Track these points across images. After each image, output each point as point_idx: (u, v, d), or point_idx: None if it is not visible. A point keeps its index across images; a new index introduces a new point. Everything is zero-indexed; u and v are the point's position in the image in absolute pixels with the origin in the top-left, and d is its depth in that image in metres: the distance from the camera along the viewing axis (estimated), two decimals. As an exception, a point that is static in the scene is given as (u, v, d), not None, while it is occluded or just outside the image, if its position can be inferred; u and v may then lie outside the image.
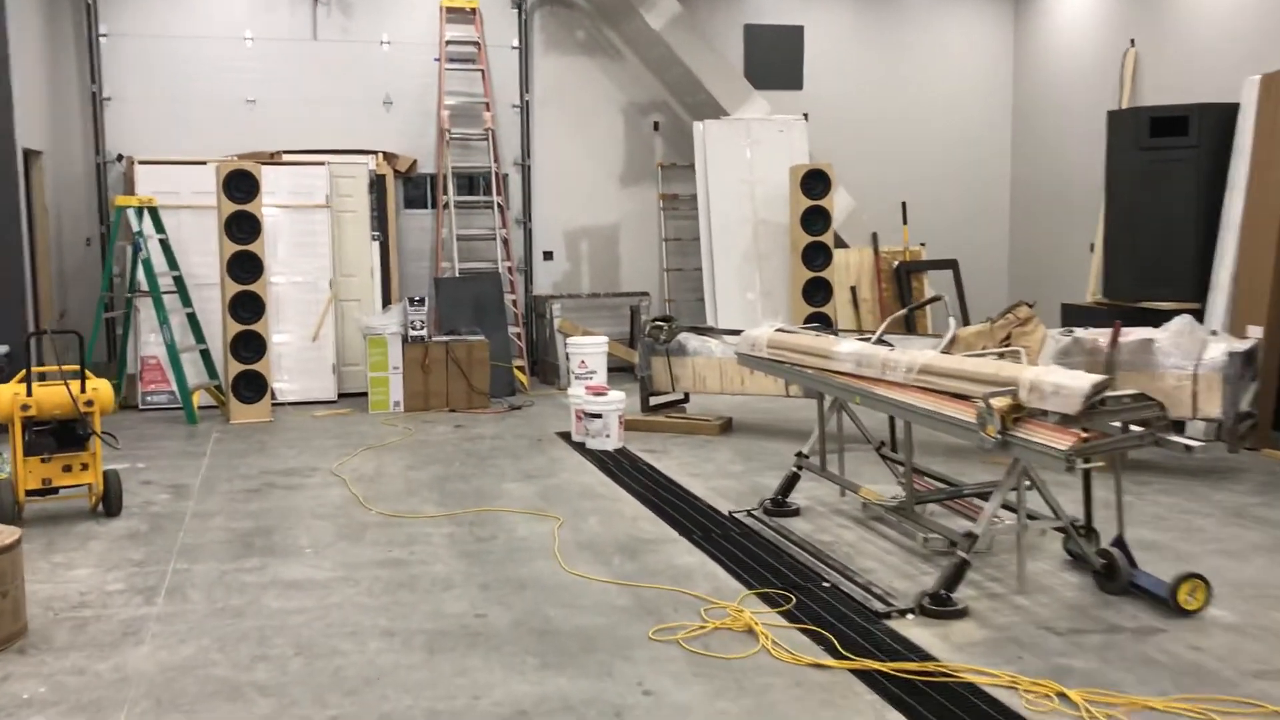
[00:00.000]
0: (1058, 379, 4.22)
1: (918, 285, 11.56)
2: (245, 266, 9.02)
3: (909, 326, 11.00)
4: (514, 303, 10.96)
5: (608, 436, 7.80)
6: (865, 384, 5.21)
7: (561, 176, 11.67)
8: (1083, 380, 4.17)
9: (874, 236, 11.50)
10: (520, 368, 10.66)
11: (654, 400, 8.82)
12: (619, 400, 7.87)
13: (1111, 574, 4.63)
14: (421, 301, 9.57)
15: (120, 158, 10.23)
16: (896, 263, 11.43)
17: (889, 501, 5.41)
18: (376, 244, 10.50)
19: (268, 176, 9.91)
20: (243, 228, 9.00)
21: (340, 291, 10.30)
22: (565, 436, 8.25)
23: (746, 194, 10.82)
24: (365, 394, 9.61)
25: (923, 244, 11.78)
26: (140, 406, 9.59)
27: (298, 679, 3.87)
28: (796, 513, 5.98)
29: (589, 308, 11.41)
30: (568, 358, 8.69)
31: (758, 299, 10.78)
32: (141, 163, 9.90)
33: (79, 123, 10.29)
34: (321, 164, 10.25)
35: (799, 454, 6.05)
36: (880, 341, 7.17)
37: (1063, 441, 4.07)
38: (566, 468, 7.24)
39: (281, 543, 5.52)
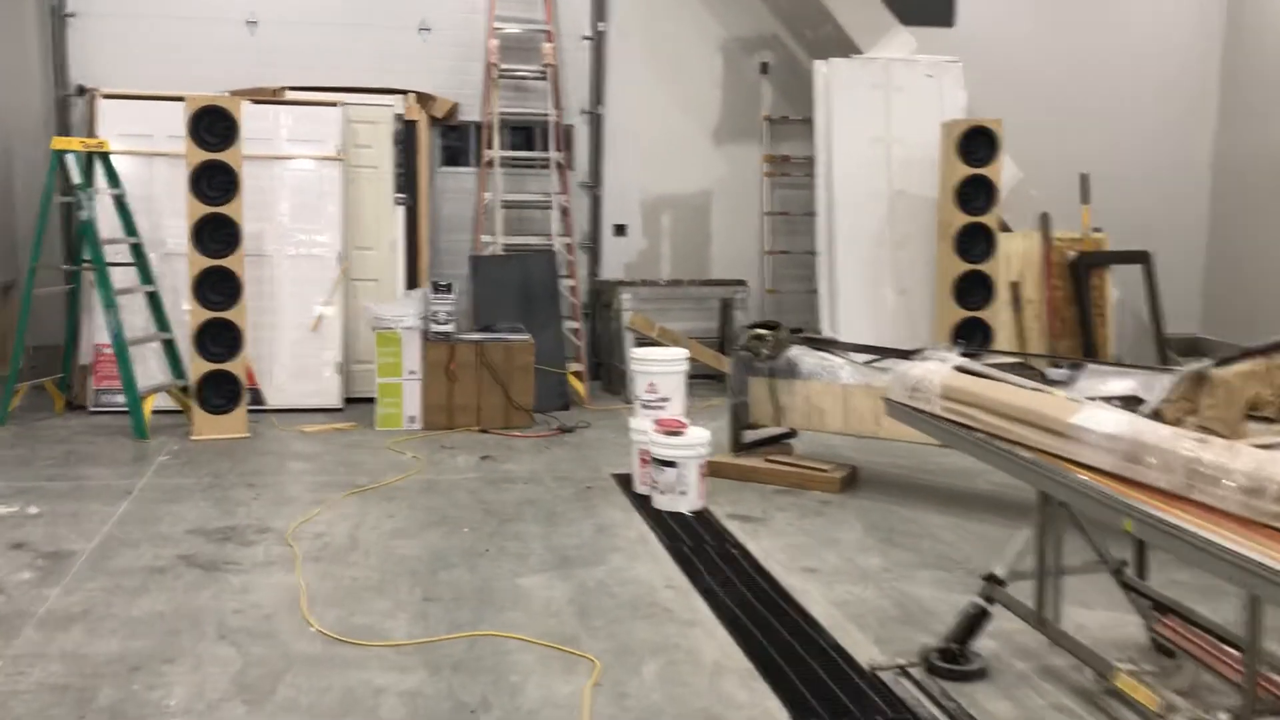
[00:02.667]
0: None
1: (1098, 283, 9.16)
2: (216, 235, 7.09)
3: (1086, 344, 8.64)
4: (572, 290, 8.87)
5: (683, 494, 5.69)
6: (1148, 498, 2.96)
7: (640, 130, 9.51)
8: None
9: (1043, 219, 9.10)
10: (577, 374, 8.58)
11: (749, 435, 6.66)
12: (701, 443, 5.73)
13: None
14: (448, 288, 7.54)
15: (82, 91, 8.37)
16: (1073, 253, 9.03)
17: None
18: (402, 210, 8.51)
19: (266, 118, 8.00)
20: (214, 183, 7.07)
21: (353, 269, 8.34)
22: (625, 482, 6.17)
23: (881, 157, 8.54)
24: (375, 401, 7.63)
25: (1098, 230, 9.33)
26: (91, 408, 7.77)
27: None
28: (982, 674, 3.80)
29: (669, 299, 9.27)
30: (634, 374, 6.52)
31: (891, 297, 8.51)
32: (106, 96, 8.04)
33: (35, 46, 8.46)
34: (334, 105, 8.26)
35: (990, 577, 3.85)
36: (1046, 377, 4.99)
37: None
38: (620, 544, 5.16)
39: (137, 703, 3.51)
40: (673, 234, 9.74)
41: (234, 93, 8.31)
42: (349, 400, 8.23)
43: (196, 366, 7.11)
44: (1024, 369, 5.37)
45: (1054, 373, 5.35)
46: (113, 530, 5.21)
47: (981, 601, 3.83)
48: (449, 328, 7.53)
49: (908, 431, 4.41)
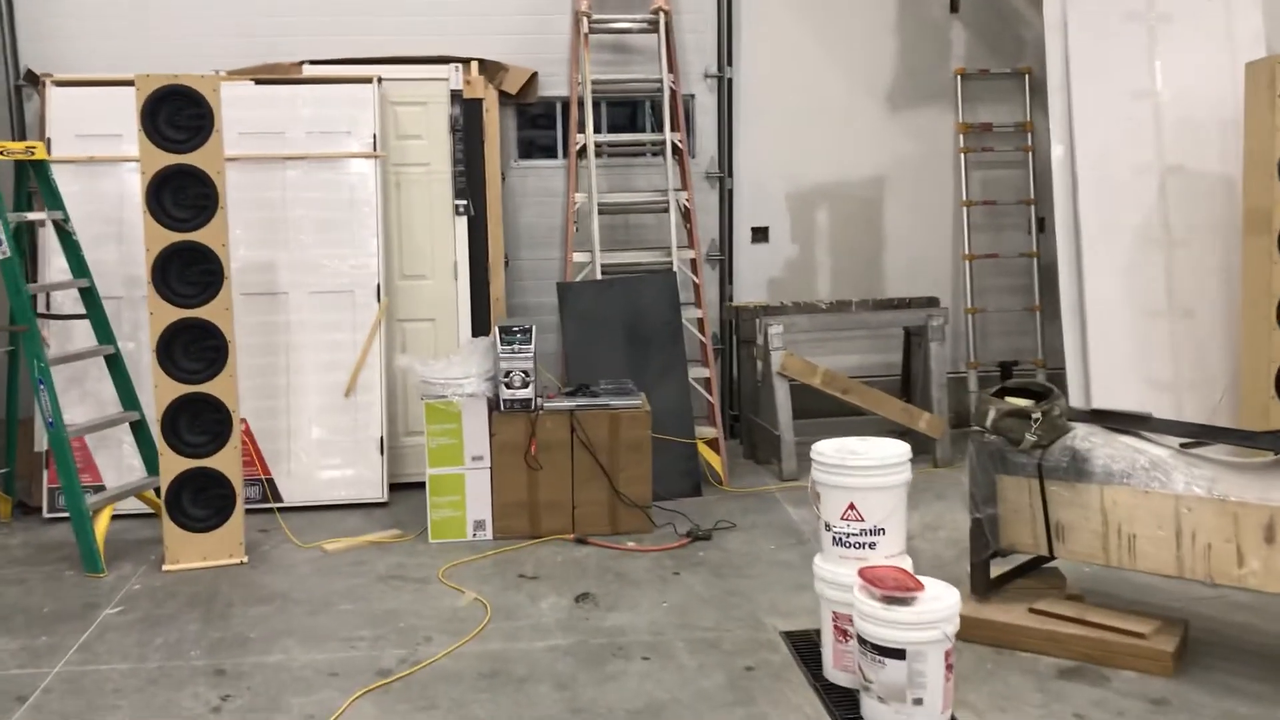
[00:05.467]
0: None
1: None
2: (187, 273, 5.06)
3: None
4: (700, 323, 6.62)
5: (918, 703, 3.40)
6: None
7: (785, 98, 7.22)
8: None
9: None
10: (710, 443, 6.33)
11: (996, 565, 4.33)
12: (946, 616, 3.44)
13: None
14: (525, 334, 5.37)
15: (33, 78, 6.45)
16: None
17: None
18: (464, 222, 6.40)
19: (277, 104, 6.07)
20: (181, 198, 5.03)
21: (399, 306, 6.27)
22: (805, 651, 3.94)
23: (1147, 118, 6.07)
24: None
25: None
26: (47, 514, 5.84)
27: None
28: None
29: (832, 329, 6.94)
30: (819, 489, 4.05)
31: (1167, 322, 6.03)
32: (59, 84, 6.11)
33: (-23, 21, 6.58)
34: (369, 80, 6.21)
35: None
36: None
37: None
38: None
39: None
40: (833, 237, 7.41)
41: (234, 73, 6.32)
42: (396, 488, 6.16)
43: (167, 465, 5.09)
44: None
45: None
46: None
47: None
48: (528, 393, 5.37)
49: None
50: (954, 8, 7.31)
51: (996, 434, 4.20)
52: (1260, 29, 6.18)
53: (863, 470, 3.76)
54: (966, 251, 7.33)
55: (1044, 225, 7.41)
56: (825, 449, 3.85)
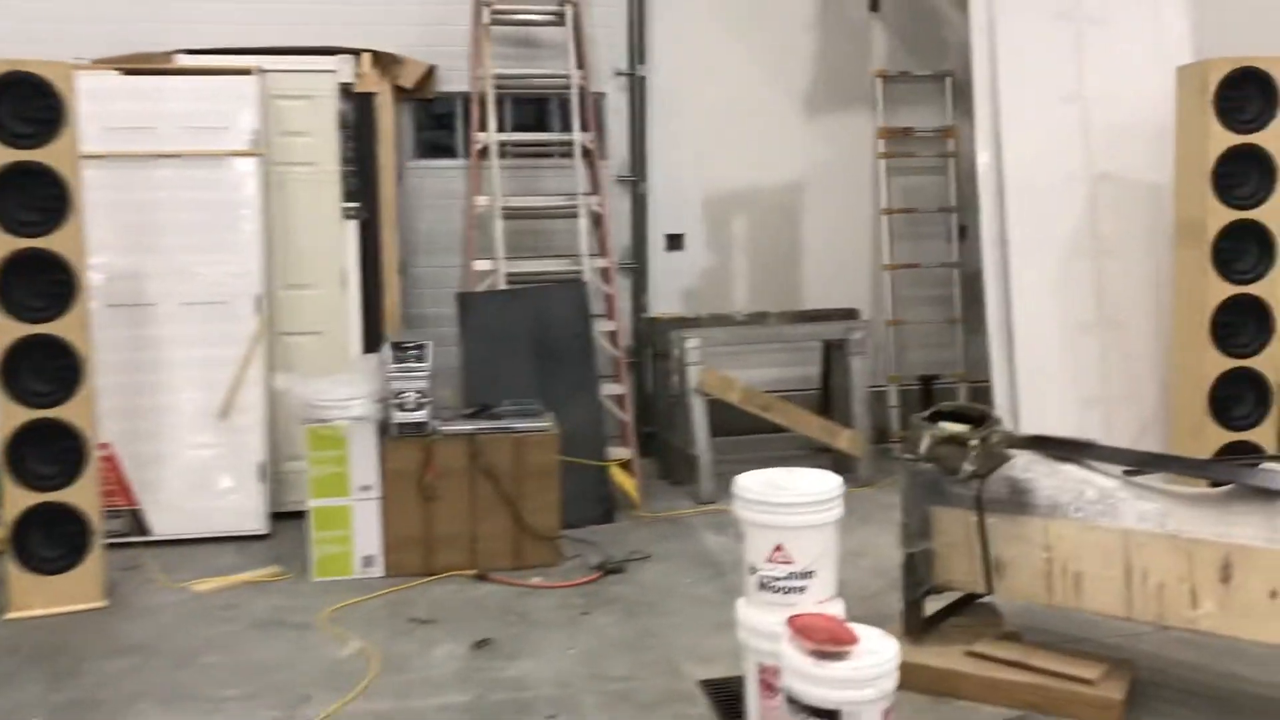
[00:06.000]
0: None
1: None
2: (36, 284, 4.53)
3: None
4: (612, 336, 6.23)
5: (854, 769, 3.07)
6: None
7: (700, 98, 6.90)
8: None
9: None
10: (623, 464, 5.96)
11: (929, 603, 4.04)
12: (884, 672, 3.10)
13: None
14: (419, 350, 4.94)
15: None
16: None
17: None
18: (355, 226, 5.94)
19: (146, 97, 5.56)
20: (29, 200, 4.50)
21: (281, 319, 5.79)
22: (725, 696, 3.59)
23: (1075, 124, 5.89)
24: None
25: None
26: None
27: None
28: None
29: (750, 341, 6.61)
30: (739, 525, 3.63)
31: (1096, 335, 5.84)
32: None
33: None
34: (249, 72, 5.71)
35: None
36: None
37: None
38: None
39: None
40: (750, 245, 7.10)
41: (100, 62, 5.77)
42: (279, 517, 5.66)
43: (12, 499, 4.54)
44: None
45: None
46: None
47: None
48: (422, 415, 4.93)
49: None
50: (874, 7, 7.07)
51: (931, 462, 3.90)
52: (1187, 33, 6.04)
53: (792, 507, 3.41)
54: (887, 261, 7.08)
55: (965, 234, 7.21)
56: (750, 484, 3.50)
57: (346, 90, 5.97)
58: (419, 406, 4.92)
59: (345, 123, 5.95)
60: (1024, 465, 3.83)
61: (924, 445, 3.90)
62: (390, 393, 4.93)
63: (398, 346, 4.94)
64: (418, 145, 6.64)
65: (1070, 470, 3.79)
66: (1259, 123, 5.21)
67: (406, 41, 6.35)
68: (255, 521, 5.55)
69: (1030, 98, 5.84)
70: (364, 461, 4.94)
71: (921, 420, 4.01)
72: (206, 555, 5.28)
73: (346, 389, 4.96)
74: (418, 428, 4.95)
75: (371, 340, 5.91)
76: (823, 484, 3.50)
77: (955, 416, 4.03)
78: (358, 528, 4.96)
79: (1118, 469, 3.83)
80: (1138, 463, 3.86)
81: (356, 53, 6.06)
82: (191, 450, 5.54)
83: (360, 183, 5.97)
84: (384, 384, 4.97)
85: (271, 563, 5.14)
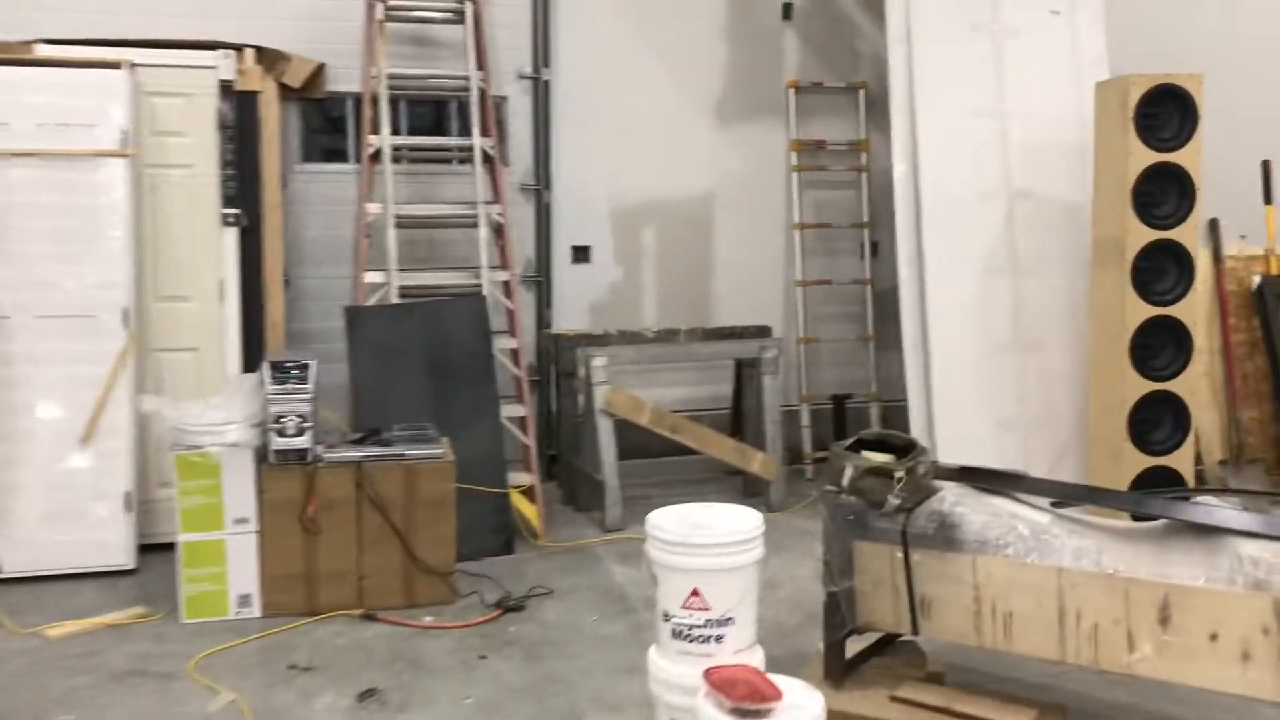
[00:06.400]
0: None
1: (1290, 321, 6.47)
2: None
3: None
4: (514, 355, 5.90)
5: (778, 839, 2.80)
6: None
7: (608, 104, 6.63)
8: None
9: (1212, 228, 6.41)
10: (525, 491, 5.63)
11: (850, 642, 3.80)
12: (811, 730, 2.85)
13: None
14: (301, 371, 4.55)
15: None
16: (1257, 278, 6.37)
17: None
18: (235, 234, 5.53)
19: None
20: None
21: (153, 335, 5.35)
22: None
23: (993, 139, 5.75)
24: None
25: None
26: None
27: None
28: None
29: (659, 360, 6.34)
30: (651, 566, 3.31)
31: (1014, 357, 5.71)
32: None
33: None
34: (118, 65, 5.27)
35: None
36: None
37: None
38: None
39: None
40: (660, 259, 6.84)
41: (-53, 48, 5.27)
42: (148, 549, 5.21)
43: None
44: None
45: None
46: None
47: None
48: (304, 441, 4.55)
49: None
50: (787, 15, 6.88)
51: (854, 495, 3.67)
52: (1103, 48, 5.97)
53: (710, 549, 3.14)
54: (799, 277, 6.89)
55: (877, 250, 7.07)
56: (664, 522, 3.22)
57: (227, 88, 5.55)
58: (301, 432, 4.53)
59: (225, 123, 5.53)
60: (952, 498, 3.62)
61: (847, 476, 3.66)
62: (269, 416, 4.53)
63: (278, 366, 4.54)
64: (306, 148, 6.23)
65: (1000, 504, 3.59)
66: (1178, 141, 5.13)
67: (294, 37, 5.95)
68: (120, 556, 5.08)
69: (948, 111, 5.69)
70: (239, 492, 4.53)
71: (843, 449, 3.78)
72: (63, 594, 4.81)
73: (220, 412, 4.55)
74: (299, 455, 4.55)
75: (252, 358, 5.48)
76: (743, 522, 3.24)
77: (878, 445, 3.81)
78: (232, 564, 4.55)
79: (1048, 502, 3.65)
80: (1071, 496, 3.67)
81: (238, 48, 5.64)
82: (50, 478, 5.05)
83: (241, 187, 5.55)
84: (263, 407, 4.57)
85: (137, 602, 4.69)
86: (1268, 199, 6.46)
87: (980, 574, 3.50)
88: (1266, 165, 6.49)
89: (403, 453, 4.69)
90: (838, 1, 6.92)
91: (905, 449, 3.76)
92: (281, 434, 4.52)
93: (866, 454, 3.75)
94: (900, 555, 3.61)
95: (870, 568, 3.67)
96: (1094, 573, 3.33)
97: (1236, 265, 6.42)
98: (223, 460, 4.49)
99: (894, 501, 3.59)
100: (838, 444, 3.87)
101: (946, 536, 3.55)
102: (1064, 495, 3.67)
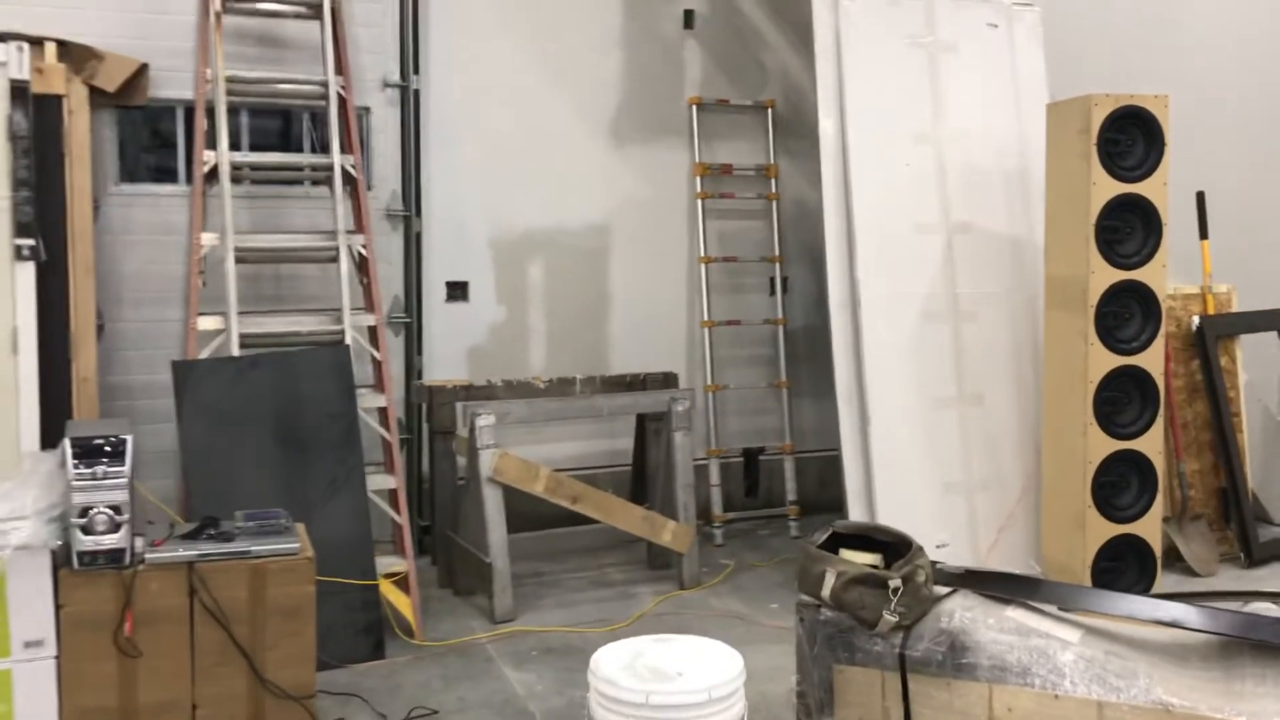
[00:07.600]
0: None
1: (1227, 360, 6.13)
2: None
3: (1231, 476, 5.61)
4: (383, 413, 5.01)
5: None
6: None
7: (489, 119, 5.84)
8: None
9: (1149, 263, 5.98)
10: (400, 579, 4.75)
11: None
12: None
13: None
14: (114, 449, 3.59)
15: None
16: (1195, 318, 5.98)
17: None
18: (30, 267, 4.51)
19: None
20: None
21: (-89, 399, 4.29)
22: None
23: (930, 166, 5.18)
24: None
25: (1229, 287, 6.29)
26: None
27: None
28: None
29: (555, 415, 5.52)
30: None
31: (956, 411, 5.12)
32: None
33: None
34: (-126, 59, 4.20)
35: None
36: None
37: None
38: None
39: None
40: (549, 296, 6.05)
41: None
42: (-86, 674, 4.10)
43: None
44: None
45: None
46: None
47: None
48: (118, 539, 3.58)
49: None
50: (688, 23, 6.21)
51: (837, 608, 2.96)
52: (1041, 67, 5.48)
53: (684, 710, 2.37)
54: (705, 317, 6.20)
55: (787, 286, 6.46)
56: (613, 673, 2.44)
57: (20, 90, 4.53)
58: (114, 527, 3.57)
59: (17, 133, 4.51)
60: (959, 611, 2.94)
61: (829, 587, 2.95)
62: (72, 509, 3.55)
63: (83, 445, 3.57)
64: (125, 165, 5.23)
65: (1018, 617, 2.93)
66: (1144, 170, 4.63)
67: (109, 32, 4.98)
68: None
69: (881, 132, 5.08)
70: (31, 607, 3.53)
71: (818, 549, 3.07)
72: None
73: (7, 503, 3.55)
74: (112, 556, 3.58)
75: (56, 423, 4.45)
76: (718, 668, 2.49)
77: (858, 541, 3.12)
78: (22, 699, 3.55)
79: (1068, 612, 3.01)
80: (1099, 605, 3.04)
81: (35, 41, 4.63)
82: None
83: (39, 212, 4.53)
84: (64, 496, 3.59)
85: (-113, 755, 3.63)
86: (1204, 233, 6.08)
87: (998, 708, 2.83)
88: (1201, 196, 6.12)
89: (248, 549, 3.75)
90: (743, 11, 6.29)
91: (893, 546, 3.08)
92: (88, 531, 3.54)
93: (846, 554, 3.05)
94: (896, 681, 2.91)
95: (858, 699, 2.97)
96: (1144, 707, 2.70)
97: (1174, 304, 6.01)
98: (8, 567, 3.49)
99: (890, 619, 2.89)
100: (808, 540, 3.16)
101: (955, 660, 2.87)
102: (1095, 605, 3.03)
